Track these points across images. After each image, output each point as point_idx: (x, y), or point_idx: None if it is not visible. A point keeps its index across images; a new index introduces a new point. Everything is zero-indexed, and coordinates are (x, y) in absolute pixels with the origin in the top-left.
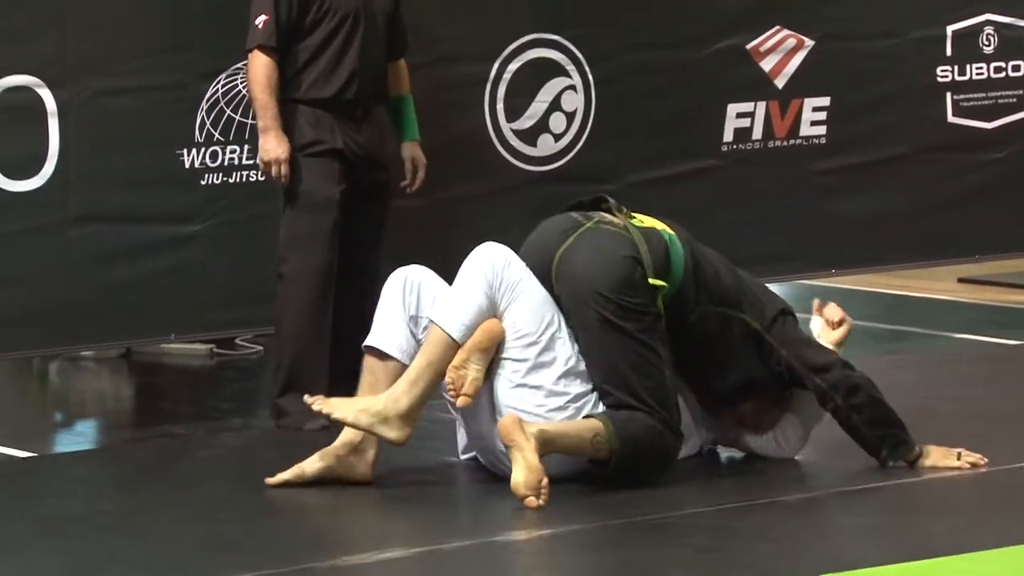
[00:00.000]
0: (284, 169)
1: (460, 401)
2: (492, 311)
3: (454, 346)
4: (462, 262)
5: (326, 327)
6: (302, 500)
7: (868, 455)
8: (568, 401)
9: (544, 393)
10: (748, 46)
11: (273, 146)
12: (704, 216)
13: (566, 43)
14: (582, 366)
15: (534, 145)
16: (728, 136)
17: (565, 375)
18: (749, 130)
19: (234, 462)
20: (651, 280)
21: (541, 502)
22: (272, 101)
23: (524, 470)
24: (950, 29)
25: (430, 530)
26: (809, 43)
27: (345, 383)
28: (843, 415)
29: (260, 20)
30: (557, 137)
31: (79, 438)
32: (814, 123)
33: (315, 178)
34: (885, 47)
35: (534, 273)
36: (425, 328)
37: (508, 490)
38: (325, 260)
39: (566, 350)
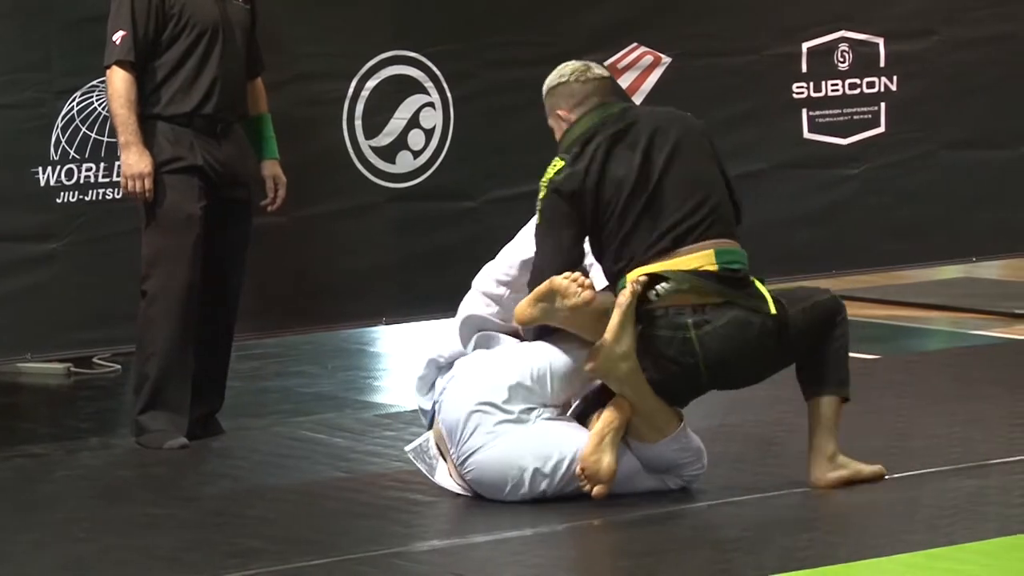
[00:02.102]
0: (147, 184)
1: (596, 492)
2: None
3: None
4: (320, 280)
5: (190, 345)
6: (161, 519)
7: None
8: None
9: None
10: (606, 63)
11: (135, 161)
12: None
13: (424, 60)
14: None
15: (393, 162)
16: None
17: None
18: None
19: (92, 482)
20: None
21: None
22: (132, 116)
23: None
24: (805, 46)
25: (288, 552)
26: (666, 60)
27: (208, 401)
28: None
29: (118, 36)
30: (416, 154)
31: None
32: None
33: (176, 195)
34: (742, 64)
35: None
36: None
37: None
38: (188, 277)
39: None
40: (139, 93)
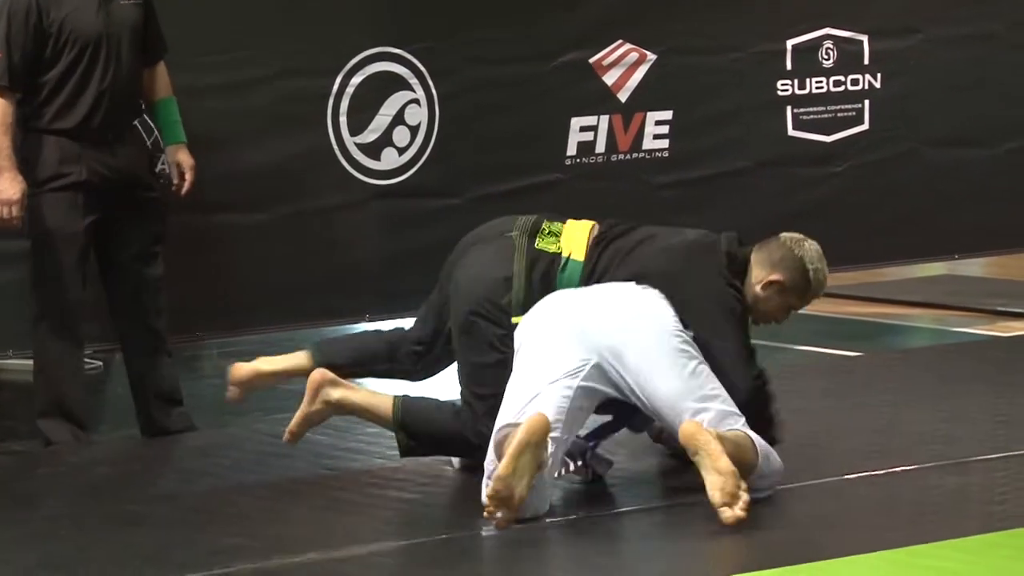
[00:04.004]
0: (15, 212)
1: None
2: None
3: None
4: (303, 276)
5: (78, 358)
6: (143, 516)
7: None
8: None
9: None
10: (591, 60)
11: (7, 187)
12: None
13: (409, 56)
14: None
15: (378, 159)
16: (572, 150)
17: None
18: (592, 144)
19: (73, 479)
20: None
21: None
22: (6, 140)
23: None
24: (790, 43)
25: (269, 549)
26: (651, 57)
27: (150, 389)
28: None
29: None
30: (401, 151)
31: None
32: (657, 137)
33: (58, 214)
34: (726, 61)
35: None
36: None
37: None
38: (73, 295)
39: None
40: (28, 108)
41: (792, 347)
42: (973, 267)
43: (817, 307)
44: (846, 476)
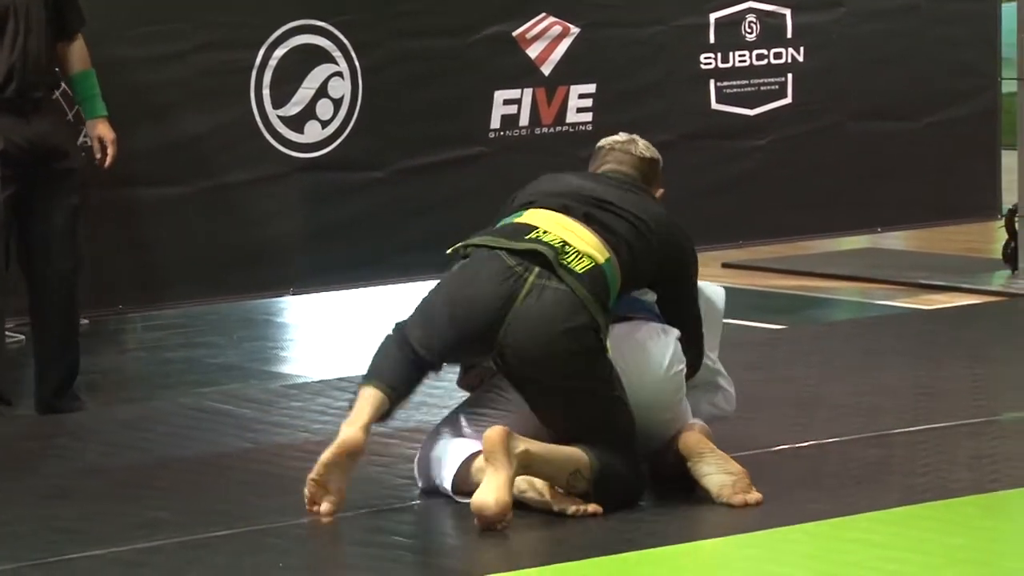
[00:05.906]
0: None
1: (323, 510)
2: None
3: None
4: (227, 250)
5: (2, 328)
6: (66, 490)
7: None
8: None
9: None
10: (514, 33)
11: None
12: (472, 203)
13: (332, 29)
14: None
15: (301, 132)
16: (495, 123)
17: None
18: (516, 117)
19: None
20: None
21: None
22: None
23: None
24: (713, 17)
25: (194, 523)
26: (575, 30)
27: (56, 374)
28: None
29: None
30: (324, 124)
31: None
32: (580, 110)
33: None
34: (650, 35)
35: (469, 322)
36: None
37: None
38: None
39: None
40: None
41: None
42: (896, 240)
43: (741, 280)
44: (770, 449)
